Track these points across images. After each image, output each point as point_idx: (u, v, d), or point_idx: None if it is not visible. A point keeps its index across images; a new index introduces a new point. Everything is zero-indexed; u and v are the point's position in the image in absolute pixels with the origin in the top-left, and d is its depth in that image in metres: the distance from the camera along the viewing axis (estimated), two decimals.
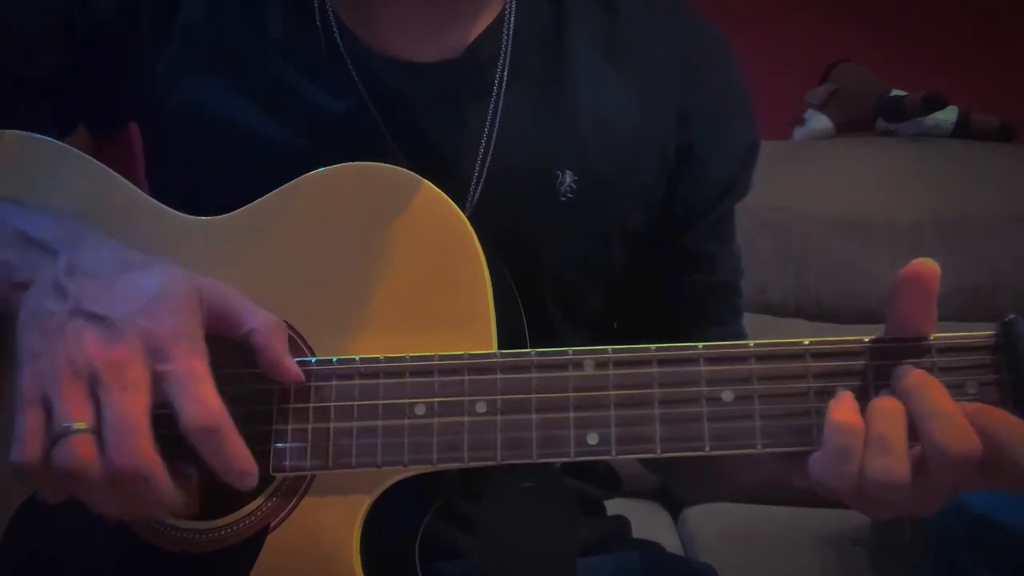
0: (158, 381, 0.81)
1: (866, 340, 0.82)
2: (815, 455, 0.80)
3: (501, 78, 1.05)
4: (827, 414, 0.80)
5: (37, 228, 0.90)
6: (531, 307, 0.98)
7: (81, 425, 0.79)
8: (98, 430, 0.80)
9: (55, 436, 0.80)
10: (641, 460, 1.16)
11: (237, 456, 0.83)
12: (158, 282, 0.85)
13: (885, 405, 0.79)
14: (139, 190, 1.00)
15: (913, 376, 0.80)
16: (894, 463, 0.78)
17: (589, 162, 1.05)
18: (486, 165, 1.04)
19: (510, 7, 1.07)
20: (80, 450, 0.79)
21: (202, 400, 0.81)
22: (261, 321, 0.87)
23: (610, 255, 1.10)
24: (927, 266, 0.82)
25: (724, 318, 1.17)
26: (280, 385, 0.89)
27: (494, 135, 1.04)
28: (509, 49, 1.06)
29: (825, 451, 0.79)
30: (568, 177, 1.04)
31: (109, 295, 0.83)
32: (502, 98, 1.05)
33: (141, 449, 0.79)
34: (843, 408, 0.80)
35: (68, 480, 0.81)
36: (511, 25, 1.07)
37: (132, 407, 0.80)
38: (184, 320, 0.83)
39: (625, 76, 1.09)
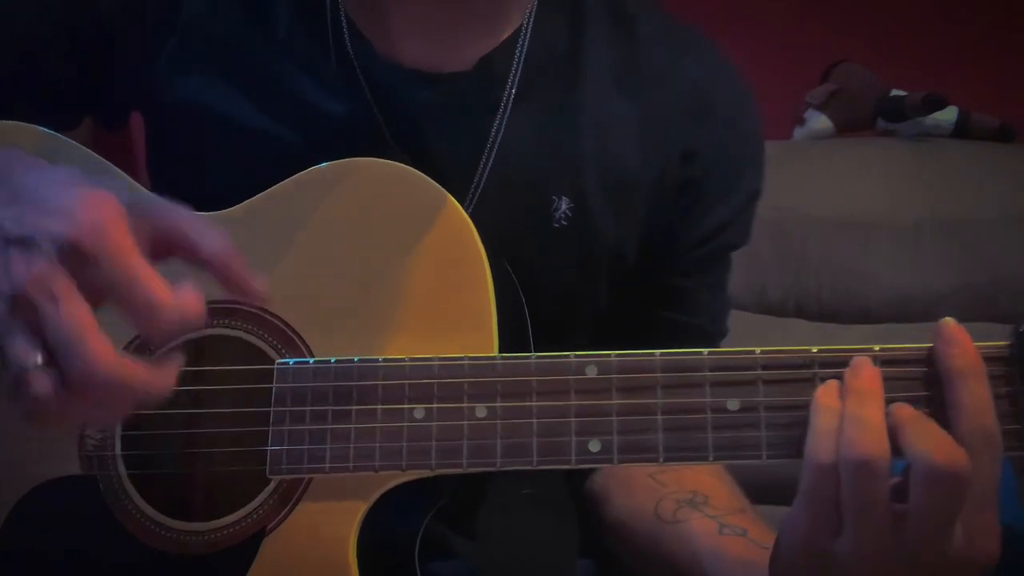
0: (91, 286, 0.75)
1: (876, 349, 0.81)
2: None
3: (509, 95, 1.04)
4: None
5: None
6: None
7: (31, 363, 0.74)
8: (51, 360, 0.74)
9: (14, 384, 0.75)
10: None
11: (187, 313, 0.75)
12: (74, 187, 0.78)
13: (862, 385, 0.79)
14: (138, 184, 0.99)
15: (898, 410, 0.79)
16: (871, 439, 0.76)
17: (586, 191, 1.05)
18: (483, 180, 1.03)
19: (527, 25, 1.06)
20: (36, 390, 0.74)
21: (149, 302, 0.74)
22: (213, 247, 0.81)
23: (597, 288, 1.09)
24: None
25: None
26: (278, 385, 0.88)
27: (494, 151, 1.03)
28: (520, 67, 1.05)
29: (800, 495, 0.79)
30: (564, 203, 1.04)
31: (31, 211, 0.77)
32: (507, 115, 1.04)
33: (93, 362, 0.73)
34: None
35: (46, 417, 0.75)
36: (525, 43, 1.06)
37: (68, 319, 0.73)
38: (96, 208, 0.76)
39: (633, 107, 1.07)
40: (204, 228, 0.81)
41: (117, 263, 0.74)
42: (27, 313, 0.74)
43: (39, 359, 0.74)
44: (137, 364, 0.75)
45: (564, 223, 1.04)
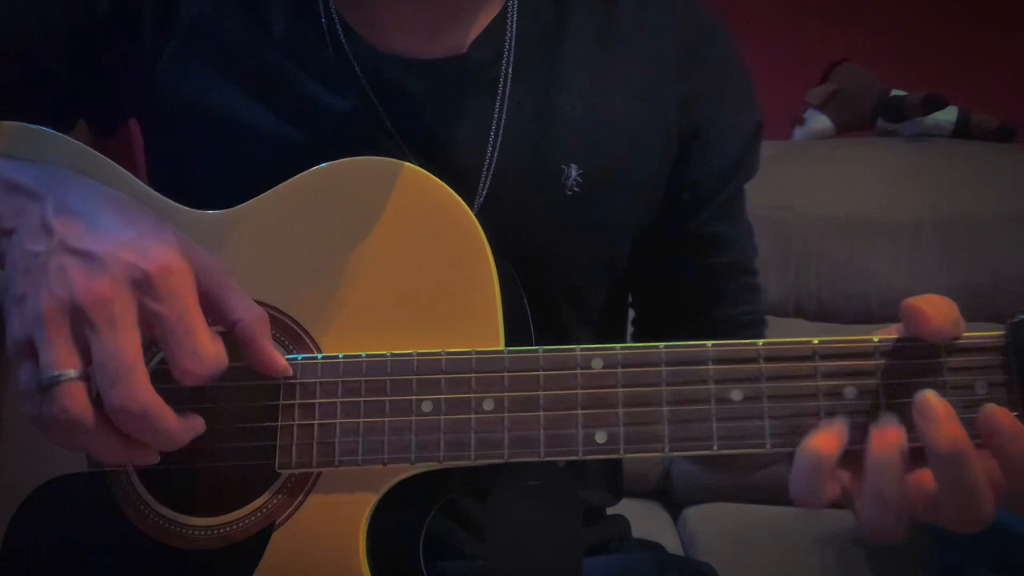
0: (149, 318, 0.79)
1: (875, 340, 0.82)
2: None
3: (506, 75, 1.05)
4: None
5: (24, 175, 0.88)
6: (538, 304, 0.98)
7: (70, 373, 0.77)
8: (89, 373, 0.78)
9: (43, 387, 0.78)
10: None
11: (222, 366, 0.82)
12: (148, 223, 0.83)
13: (881, 456, 0.78)
14: (142, 183, 1.00)
15: (920, 402, 0.78)
16: (889, 518, 0.77)
17: (593, 155, 1.06)
18: (493, 162, 1.04)
19: (512, 4, 1.07)
20: (68, 401, 0.77)
21: (197, 353, 0.79)
22: (249, 313, 0.86)
23: (618, 249, 1.10)
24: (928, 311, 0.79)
25: (742, 297, 1.16)
26: (282, 381, 0.89)
27: (501, 130, 1.04)
28: (512, 46, 1.06)
29: (795, 473, 0.79)
30: (573, 171, 1.04)
31: (95, 231, 0.81)
32: (507, 93, 1.05)
33: (137, 390, 0.77)
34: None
35: (67, 430, 0.79)
36: (514, 22, 1.07)
37: (122, 347, 0.78)
38: (171, 255, 0.81)
39: (625, 67, 1.09)
40: (243, 298, 0.86)
41: (179, 306, 0.79)
42: (74, 320, 0.78)
43: (76, 370, 0.78)
44: (170, 409, 0.80)
45: (576, 190, 1.05)
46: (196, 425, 0.83)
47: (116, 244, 0.80)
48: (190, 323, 0.79)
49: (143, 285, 0.79)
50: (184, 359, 0.79)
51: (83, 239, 0.81)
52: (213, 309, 0.85)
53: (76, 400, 0.78)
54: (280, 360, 0.87)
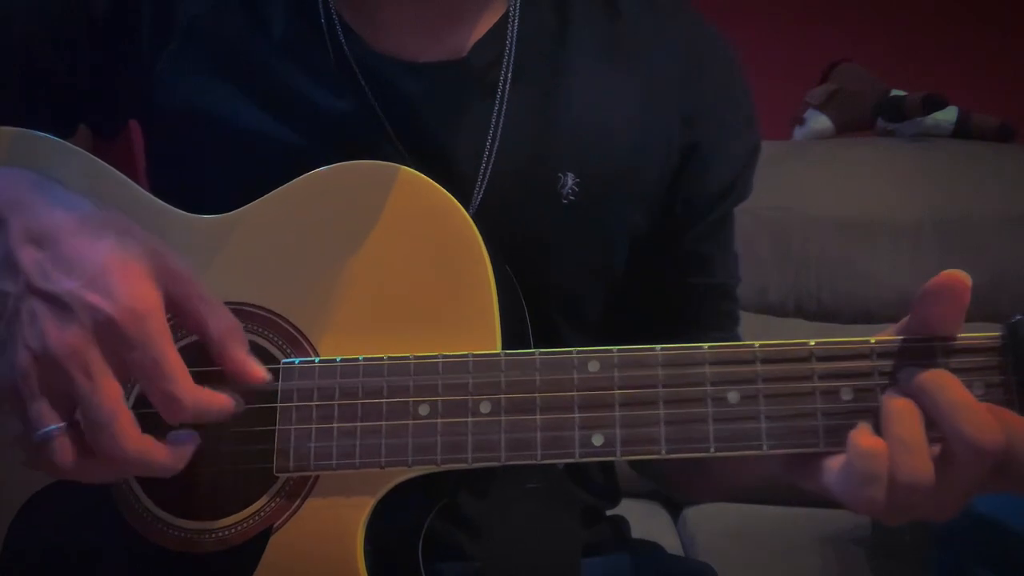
0: (123, 365, 0.79)
1: (872, 341, 0.82)
2: (836, 474, 0.80)
3: (505, 79, 1.05)
4: (850, 440, 0.78)
5: None
6: (536, 309, 0.98)
7: (55, 430, 0.79)
8: (75, 421, 0.80)
9: (33, 443, 0.80)
10: (631, 463, 1.17)
11: (222, 407, 0.83)
12: (109, 249, 0.82)
13: (897, 406, 0.78)
14: (140, 187, 1.00)
15: (928, 372, 0.79)
16: (918, 462, 0.76)
17: (590, 164, 1.05)
18: (489, 167, 1.04)
19: (514, 9, 1.07)
20: (57, 455, 0.80)
21: (175, 397, 0.79)
22: (219, 323, 0.85)
23: (613, 258, 1.10)
24: (961, 277, 0.79)
25: (719, 322, 1.17)
26: (282, 385, 0.89)
27: (497, 137, 1.04)
28: (513, 51, 1.06)
29: (850, 477, 0.78)
30: (570, 179, 1.04)
31: (59, 266, 0.81)
32: (506, 98, 1.05)
33: (122, 438, 0.79)
34: (866, 434, 0.79)
35: (61, 474, 0.81)
36: (515, 27, 1.06)
37: (101, 397, 0.79)
38: (137, 292, 0.80)
39: (627, 78, 1.09)
40: (215, 306, 0.85)
41: (152, 353, 0.79)
42: (52, 373, 0.79)
43: (61, 424, 0.80)
44: (159, 445, 0.81)
45: (572, 198, 1.04)
46: (188, 449, 0.83)
47: (81, 282, 0.80)
48: (166, 370, 0.79)
49: (111, 331, 0.79)
50: (164, 406, 0.80)
51: (49, 277, 0.81)
52: (185, 319, 0.85)
53: (64, 453, 0.80)
54: (256, 368, 0.86)
